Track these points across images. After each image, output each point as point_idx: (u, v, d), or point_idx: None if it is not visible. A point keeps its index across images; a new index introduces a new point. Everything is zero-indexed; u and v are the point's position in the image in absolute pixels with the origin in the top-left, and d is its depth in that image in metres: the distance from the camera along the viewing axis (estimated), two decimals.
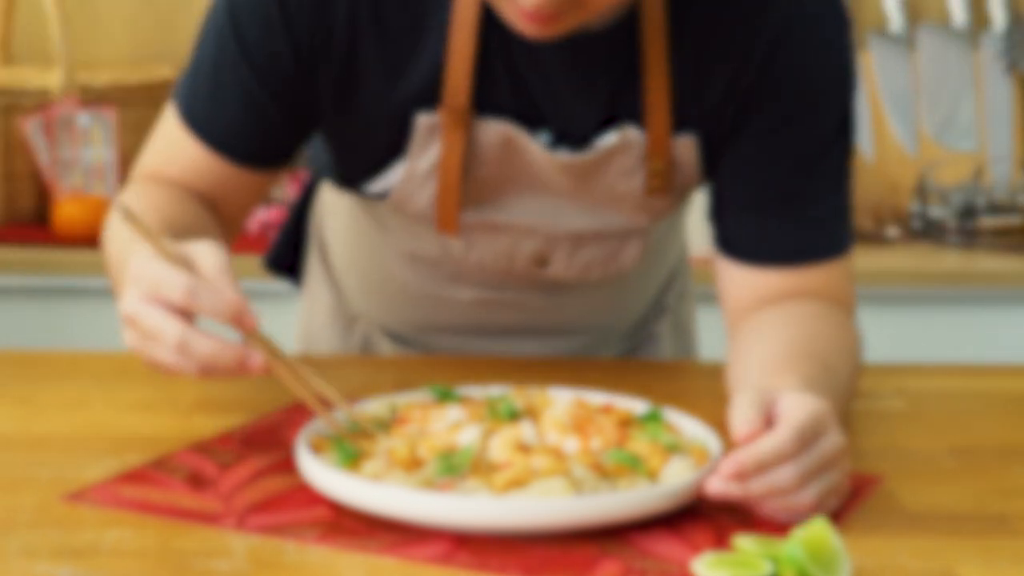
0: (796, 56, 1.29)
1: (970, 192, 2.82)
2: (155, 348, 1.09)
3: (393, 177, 1.35)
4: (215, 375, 1.10)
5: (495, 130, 1.31)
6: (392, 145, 1.34)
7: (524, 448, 1.09)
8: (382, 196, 1.38)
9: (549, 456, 1.07)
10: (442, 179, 1.33)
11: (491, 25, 1.27)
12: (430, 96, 1.30)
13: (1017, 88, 2.96)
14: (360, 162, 1.37)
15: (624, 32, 1.28)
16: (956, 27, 2.95)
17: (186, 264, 1.10)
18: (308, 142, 1.40)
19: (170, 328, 1.08)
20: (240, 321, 1.09)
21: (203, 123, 1.33)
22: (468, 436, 1.11)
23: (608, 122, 1.31)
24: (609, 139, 1.31)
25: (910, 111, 2.94)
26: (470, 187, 1.34)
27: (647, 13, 1.28)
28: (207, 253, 1.11)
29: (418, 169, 1.33)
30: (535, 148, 1.31)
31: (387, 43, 1.28)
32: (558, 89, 1.30)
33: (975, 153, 2.93)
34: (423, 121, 1.31)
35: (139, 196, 1.31)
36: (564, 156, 1.32)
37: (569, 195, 1.36)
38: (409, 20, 1.28)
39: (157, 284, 1.08)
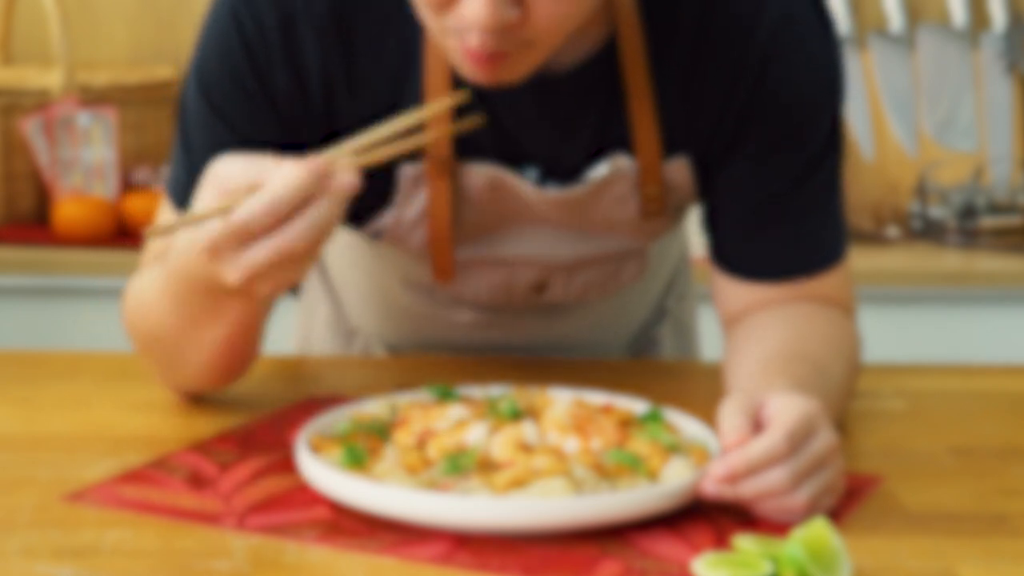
0: (786, 73, 1.28)
1: (970, 192, 2.82)
2: (290, 269, 1.09)
3: (383, 222, 1.34)
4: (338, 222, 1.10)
5: (481, 173, 1.30)
6: (379, 194, 1.32)
7: (526, 448, 1.09)
8: (376, 236, 1.37)
9: (550, 456, 1.07)
10: (432, 228, 1.32)
11: None
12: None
13: (1017, 88, 2.96)
14: (350, 210, 1.36)
15: (602, 65, 1.27)
16: (956, 27, 2.95)
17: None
18: None
19: (293, 231, 1.06)
20: (320, 174, 1.07)
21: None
22: (475, 434, 1.11)
23: (598, 152, 1.30)
24: (600, 171, 1.30)
25: (910, 111, 2.94)
26: (462, 228, 1.33)
27: (624, 42, 1.26)
28: (232, 167, 1.09)
29: (406, 217, 1.33)
30: (524, 186, 1.30)
31: (363, 99, 1.28)
32: (539, 128, 1.28)
33: (975, 153, 2.93)
34: (407, 172, 1.30)
35: (153, 279, 1.27)
36: (554, 192, 1.30)
37: (564, 225, 1.34)
38: (384, 78, 1.27)
39: (243, 229, 1.06)
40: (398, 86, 1.27)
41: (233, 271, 1.09)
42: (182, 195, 1.29)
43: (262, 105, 1.27)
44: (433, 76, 1.26)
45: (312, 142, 1.29)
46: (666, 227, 1.37)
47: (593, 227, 1.35)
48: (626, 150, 1.30)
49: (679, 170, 1.31)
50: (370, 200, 1.33)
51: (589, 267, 1.38)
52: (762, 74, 1.27)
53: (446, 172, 1.29)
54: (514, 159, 1.30)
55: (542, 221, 1.34)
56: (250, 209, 1.06)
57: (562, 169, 1.30)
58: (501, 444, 1.10)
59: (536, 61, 1.16)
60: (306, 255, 1.08)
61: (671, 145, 1.30)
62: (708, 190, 1.34)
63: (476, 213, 1.32)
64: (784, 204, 1.31)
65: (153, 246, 1.34)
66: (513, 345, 1.50)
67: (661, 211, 1.33)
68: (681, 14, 1.27)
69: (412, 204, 1.32)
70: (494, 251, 1.36)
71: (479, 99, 1.27)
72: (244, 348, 1.25)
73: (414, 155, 1.29)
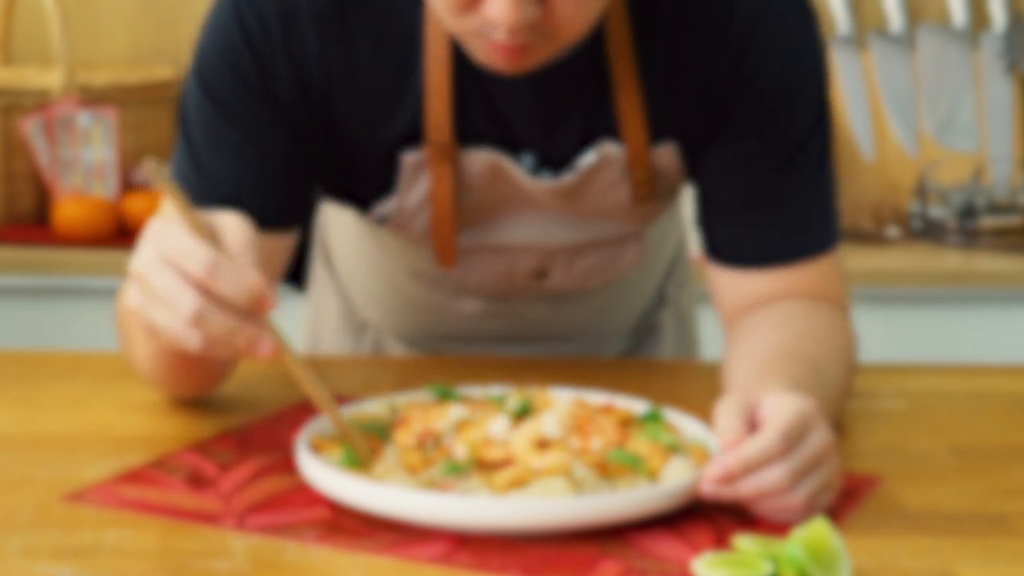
0: (763, 58, 1.29)
1: (970, 192, 2.82)
2: (160, 313, 1.05)
3: (387, 208, 1.35)
4: (216, 353, 1.06)
5: (480, 159, 1.31)
6: (382, 183, 1.33)
7: (544, 443, 1.09)
8: (381, 222, 1.38)
9: (563, 453, 1.07)
10: (435, 213, 1.33)
11: (463, 60, 1.27)
12: (413, 135, 1.30)
13: (1017, 88, 2.96)
14: (353, 199, 1.37)
15: (590, 53, 1.28)
16: (956, 27, 2.95)
17: (211, 235, 1.05)
18: (314, 196, 1.38)
19: (186, 299, 1.03)
20: (258, 306, 1.04)
21: (204, 198, 1.28)
22: (499, 426, 1.11)
23: (586, 140, 1.32)
24: (588, 158, 1.32)
25: (910, 111, 2.94)
26: (463, 214, 1.35)
27: (610, 31, 1.28)
28: (233, 227, 1.06)
29: (408, 203, 1.34)
30: (520, 174, 1.32)
31: (365, 92, 1.29)
32: (533, 115, 1.30)
33: (975, 153, 2.93)
34: (409, 159, 1.31)
35: None
36: (547, 182, 1.32)
37: (560, 212, 1.36)
38: (386, 71, 1.28)
39: (178, 251, 1.03)
40: (398, 81, 1.28)
41: (144, 262, 1.05)
42: (186, 190, 1.29)
43: (263, 100, 1.27)
44: (433, 72, 1.27)
45: (312, 136, 1.29)
46: (659, 210, 1.39)
47: (587, 213, 1.36)
48: (613, 137, 1.31)
49: (666, 156, 1.33)
50: (373, 186, 1.34)
51: (588, 252, 1.39)
52: (740, 59, 1.29)
53: (447, 158, 1.30)
54: (511, 145, 1.31)
55: (539, 207, 1.35)
56: (198, 246, 1.03)
57: (555, 157, 1.32)
58: (520, 439, 1.10)
59: (558, 49, 1.18)
60: (172, 317, 1.04)
61: (657, 131, 1.32)
62: (695, 176, 1.35)
63: (476, 199, 1.33)
64: (768, 188, 1.32)
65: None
66: (519, 335, 1.51)
67: (651, 195, 1.35)
68: (662, 2, 1.28)
69: (414, 191, 1.32)
70: (494, 237, 1.37)
71: (477, 86, 1.28)
72: (179, 374, 1.24)
73: (415, 141, 1.30)
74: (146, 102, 2.77)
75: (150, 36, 2.96)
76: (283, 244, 1.33)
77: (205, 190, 1.28)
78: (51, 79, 2.68)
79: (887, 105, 2.93)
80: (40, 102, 2.67)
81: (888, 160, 2.94)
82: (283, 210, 1.31)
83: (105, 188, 2.70)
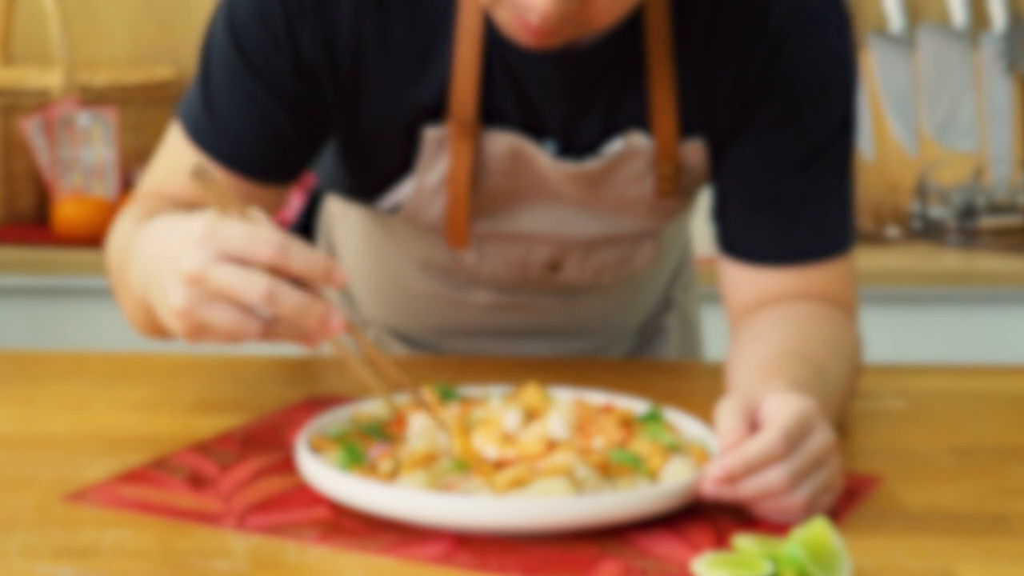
0: (797, 55, 1.30)
1: (970, 192, 2.82)
2: (218, 311, 1.04)
3: (403, 192, 1.35)
4: (277, 337, 1.05)
5: (503, 141, 1.31)
6: (401, 160, 1.34)
7: (551, 445, 1.09)
8: (394, 210, 1.38)
9: (570, 454, 1.07)
10: (451, 191, 1.33)
11: (494, 39, 1.27)
12: (438, 110, 1.30)
13: (1017, 88, 2.96)
14: (370, 178, 1.37)
15: (624, 42, 1.29)
16: (956, 27, 2.95)
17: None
18: (318, 156, 1.39)
19: (258, 280, 1.02)
20: (331, 278, 1.04)
21: (210, 138, 1.32)
22: (511, 420, 1.11)
23: (613, 129, 1.32)
24: (615, 146, 1.32)
25: (910, 111, 2.94)
26: (481, 199, 1.35)
27: (650, 23, 1.28)
28: (267, 219, 1.06)
29: (427, 183, 1.34)
30: (543, 158, 1.31)
31: (394, 63, 1.29)
32: (561, 100, 1.30)
33: (975, 153, 2.93)
34: (431, 135, 1.31)
35: (144, 211, 1.29)
36: (571, 166, 1.32)
37: (580, 202, 1.36)
38: (417, 43, 1.29)
39: (242, 241, 1.02)
40: (428, 54, 1.29)
41: (197, 262, 1.04)
42: (196, 126, 1.32)
43: (286, 57, 1.28)
44: (463, 47, 1.27)
45: (333, 104, 1.30)
46: (679, 209, 1.39)
47: (608, 205, 1.36)
48: (642, 128, 1.31)
49: (694, 152, 1.33)
50: (391, 164, 1.34)
51: (604, 247, 1.40)
52: (773, 56, 1.29)
53: (469, 135, 1.30)
54: (535, 130, 1.31)
55: (559, 197, 1.35)
56: (262, 234, 1.03)
57: (579, 145, 1.32)
58: (529, 440, 1.10)
59: (585, 34, 1.19)
60: (233, 310, 1.04)
61: (686, 126, 1.32)
62: (717, 172, 1.35)
63: (496, 184, 1.34)
64: (789, 186, 1.33)
65: (150, 181, 1.36)
66: (526, 329, 1.51)
67: (675, 191, 1.35)
68: None
69: (434, 170, 1.33)
70: (511, 225, 1.37)
71: (506, 66, 1.28)
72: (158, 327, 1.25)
73: (438, 117, 1.30)
74: (146, 102, 2.77)
75: (150, 36, 2.96)
76: (276, 199, 1.35)
77: (211, 130, 1.31)
78: (51, 79, 2.68)
79: (887, 105, 2.93)
80: (40, 102, 2.67)
81: (888, 160, 2.94)
82: (280, 166, 1.33)
83: (105, 188, 2.70)
